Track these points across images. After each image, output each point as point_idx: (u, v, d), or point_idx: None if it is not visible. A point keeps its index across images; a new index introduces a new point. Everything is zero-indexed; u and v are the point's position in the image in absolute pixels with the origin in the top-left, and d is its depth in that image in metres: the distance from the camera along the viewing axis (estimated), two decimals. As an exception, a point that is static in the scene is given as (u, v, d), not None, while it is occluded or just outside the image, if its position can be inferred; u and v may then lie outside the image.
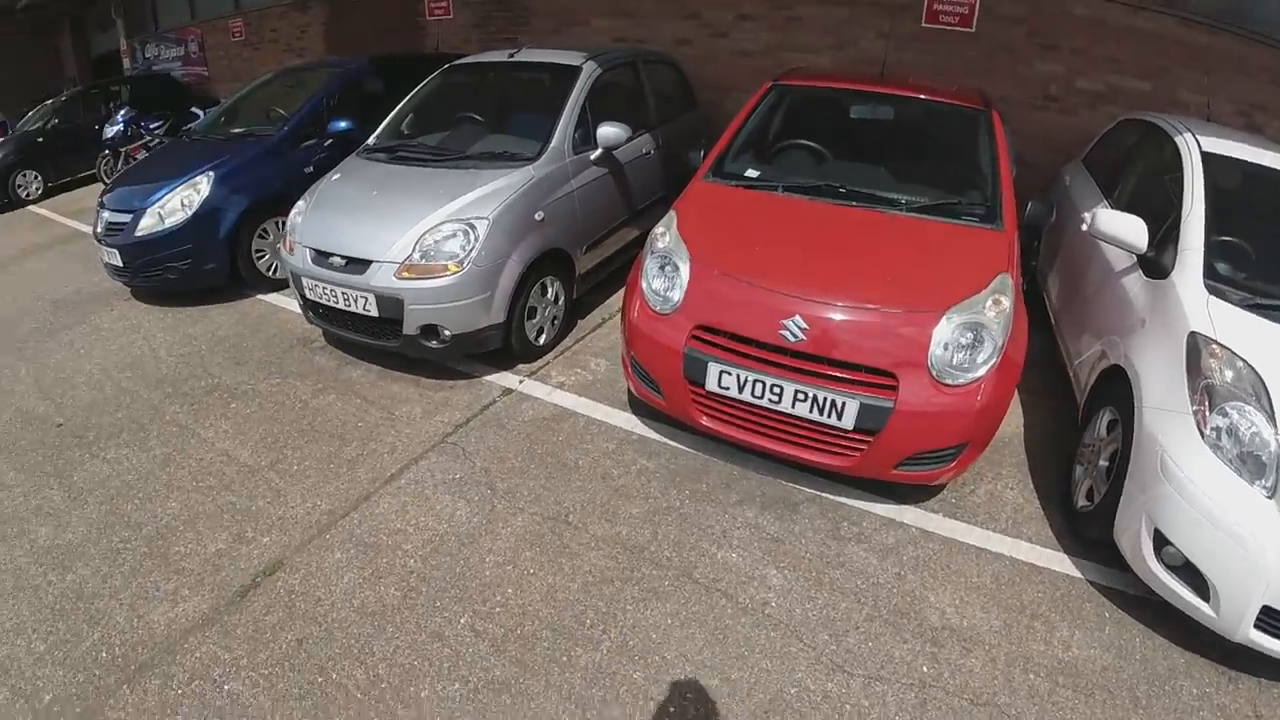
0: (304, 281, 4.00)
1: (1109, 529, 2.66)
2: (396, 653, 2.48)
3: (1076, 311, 3.68)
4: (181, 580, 2.84)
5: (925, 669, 2.39)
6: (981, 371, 2.73)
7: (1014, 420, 3.62)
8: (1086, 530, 2.88)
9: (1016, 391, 3.74)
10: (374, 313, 3.77)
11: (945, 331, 2.74)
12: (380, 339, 3.93)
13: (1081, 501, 2.96)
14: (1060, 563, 2.81)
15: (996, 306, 2.81)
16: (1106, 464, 2.83)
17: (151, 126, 9.67)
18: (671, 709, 2.26)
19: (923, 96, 4.02)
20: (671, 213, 3.49)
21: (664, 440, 3.52)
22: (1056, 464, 3.35)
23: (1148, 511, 2.45)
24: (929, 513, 3.07)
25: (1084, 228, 3.28)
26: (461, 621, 2.58)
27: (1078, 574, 2.76)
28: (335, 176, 4.41)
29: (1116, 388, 2.84)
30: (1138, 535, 2.49)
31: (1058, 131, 5.54)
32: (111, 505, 3.31)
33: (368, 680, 2.39)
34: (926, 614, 2.59)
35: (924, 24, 5.81)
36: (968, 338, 2.74)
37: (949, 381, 2.72)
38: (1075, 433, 3.26)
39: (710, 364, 2.93)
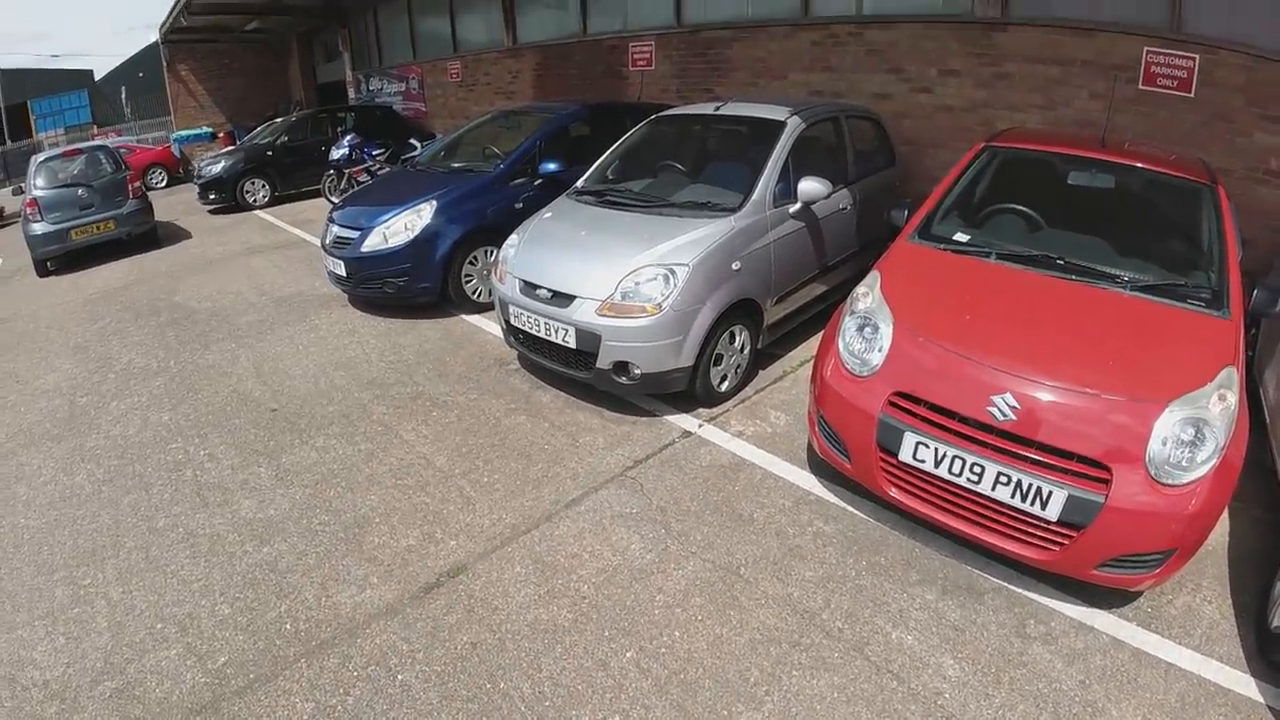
0: (511, 309, 4.33)
1: None
2: (563, 674, 2.58)
3: None
4: (371, 568, 3.13)
5: None
6: (1201, 472, 2.49)
7: (1219, 529, 3.25)
8: (1275, 653, 2.55)
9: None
10: (572, 344, 4.01)
11: (1167, 425, 2.53)
12: (574, 369, 4.16)
13: (1276, 622, 2.60)
14: (1245, 685, 2.56)
15: (1221, 403, 2.57)
16: None
17: (374, 153, 10.81)
18: (834, 787, 2.20)
19: (1146, 166, 3.74)
20: (875, 273, 3.45)
21: (842, 505, 3.45)
22: (1259, 580, 3.00)
23: None
24: (1122, 620, 2.82)
25: None
26: (628, 655, 2.65)
27: (1259, 698, 2.50)
28: (547, 215, 4.76)
29: None
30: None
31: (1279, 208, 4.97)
32: (315, 490, 3.72)
33: (533, 695, 2.50)
34: None
35: (1140, 86, 5.41)
36: (1189, 434, 2.52)
37: (1165, 480, 2.50)
38: (1281, 547, 2.90)
39: (907, 433, 2.85)
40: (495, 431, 4.15)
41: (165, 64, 19.74)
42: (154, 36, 19.46)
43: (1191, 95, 5.26)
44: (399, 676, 2.59)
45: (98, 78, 38.70)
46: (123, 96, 27.18)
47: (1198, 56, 5.13)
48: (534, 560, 3.12)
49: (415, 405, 4.51)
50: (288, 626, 2.85)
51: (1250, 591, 2.95)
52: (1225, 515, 3.34)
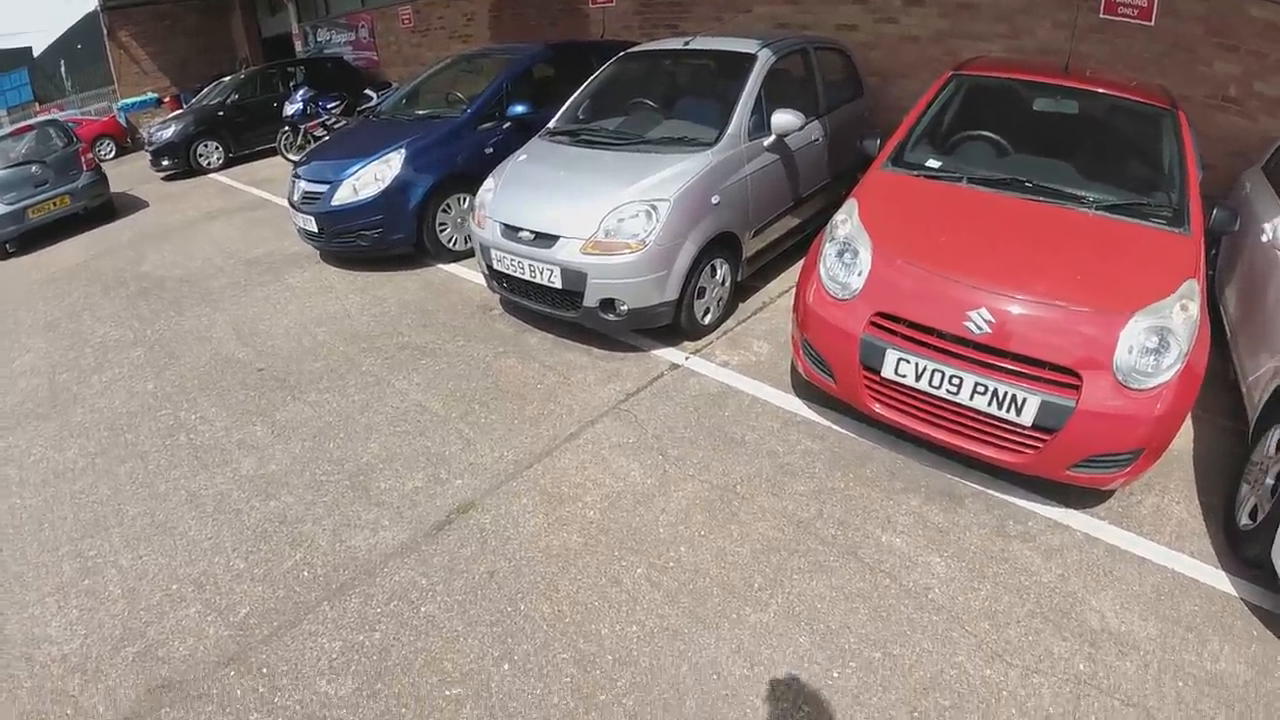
0: (493, 253, 4.36)
1: (1268, 548, 2.56)
2: (579, 592, 2.74)
3: (1254, 327, 3.46)
4: (381, 512, 3.23)
5: (1081, 666, 2.41)
6: (1165, 377, 2.67)
7: (1184, 436, 3.48)
8: (1246, 549, 2.77)
9: (1188, 407, 3.65)
10: (558, 285, 4.07)
11: (1133, 333, 2.70)
12: (561, 309, 4.23)
13: (1244, 520, 2.84)
14: (1218, 579, 2.76)
15: (1184, 312, 2.74)
16: (1272, 483, 2.72)
17: (329, 106, 10.52)
18: (835, 674, 2.38)
19: (1109, 92, 3.87)
20: (852, 200, 3.55)
21: (828, 424, 3.61)
22: (1223, 482, 3.24)
23: None
24: (1095, 519, 3.04)
25: (1263, 239, 3.08)
26: (638, 571, 2.81)
27: (1233, 592, 2.70)
28: (522, 157, 4.75)
29: None
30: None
31: (1239, 135, 5.14)
32: (315, 443, 3.78)
33: (553, 614, 2.66)
34: (1087, 616, 2.59)
35: (1102, 14, 5.49)
36: (1154, 342, 2.69)
37: (1132, 385, 2.68)
38: (1245, 452, 3.12)
39: (889, 351, 3.00)
40: (487, 375, 4.23)
41: (105, 31, 18.72)
42: (90, 6, 18.44)
43: (1152, 24, 5.35)
44: (422, 609, 2.72)
45: (36, 54, 36.78)
46: (62, 70, 25.87)
47: (1159, -14, 5.20)
48: (540, 492, 3.26)
49: (403, 355, 4.55)
50: (305, 573, 2.95)
51: (1216, 493, 3.16)
52: (1190, 424, 3.57)
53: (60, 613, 2.90)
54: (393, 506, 3.26)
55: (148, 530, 3.30)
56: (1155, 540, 2.93)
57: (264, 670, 2.53)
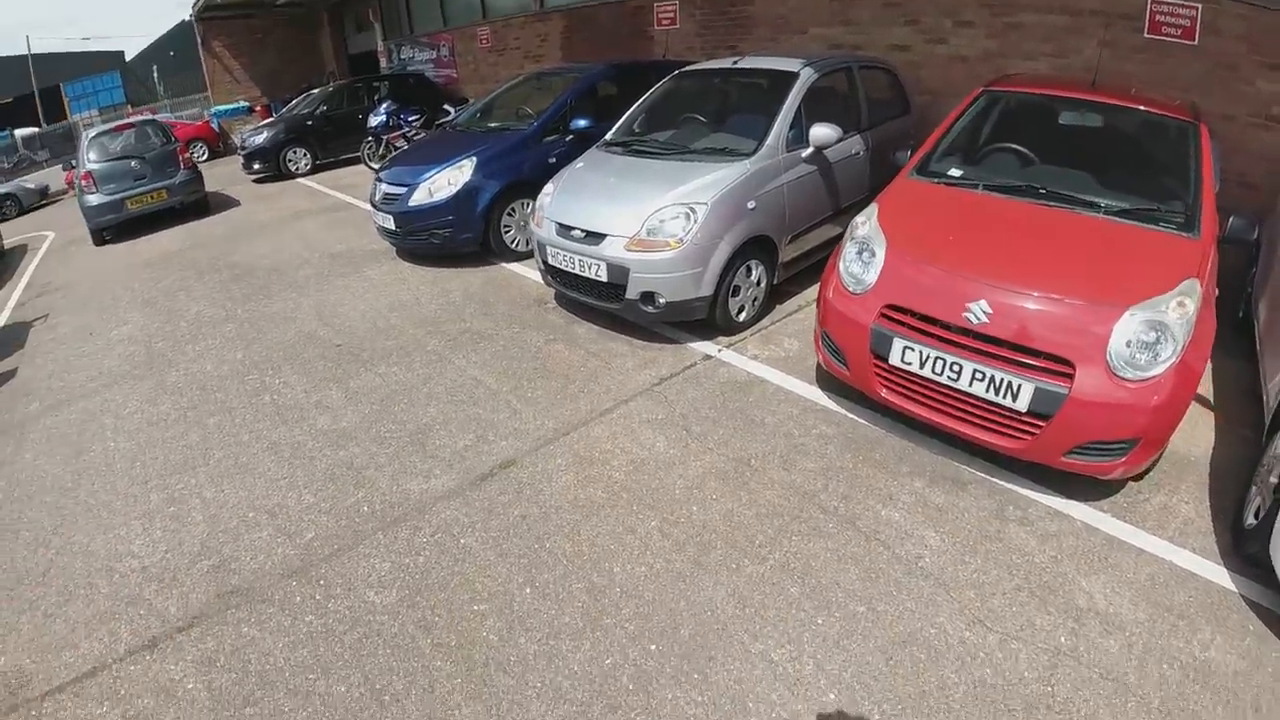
0: (548, 250, 4.79)
1: (1267, 544, 2.61)
2: (598, 537, 3.08)
3: (1275, 333, 3.54)
4: (434, 463, 3.66)
5: (1063, 639, 2.50)
6: (1159, 370, 2.79)
7: (1203, 442, 3.54)
8: (1248, 546, 2.82)
9: (1212, 416, 3.72)
10: (604, 278, 4.47)
11: (1127, 327, 2.84)
12: (605, 301, 4.62)
13: (1250, 520, 2.90)
14: (1218, 575, 2.81)
15: (1180, 309, 2.85)
16: (1276, 480, 2.78)
17: (410, 119, 11.20)
18: (820, 620, 2.62)
19: (1132, 106, 4.01)
20: (873, 204, 3.82)
21: (845, 413, 3.86)
22: (1238, 489, 3.25)
23: None
24: (1097, 511, 3.13)
25: None
26: (652, 524, 3.13)
27: (1233, 588, 2.74)
28: (579, 165, 5.20)
29: None
30: (1286, 545, 2.44)
31: None
32: (382, 406, 4.25)
33: (573, 552, 3.01)
34: (1075, 595, 2.68)
35: (1146, 34, 5.58)
36: (1150, 336, 2.82)
37: (1126, 376, 2.81)
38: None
39: (895, 340, 3.24)
40: (536, 358, 4.64)
41: (200, 40, 20.21)
42: (182, 16, 20.07)
43: (1195, 43, 5.41)
44: (461, 540, 3.12)
45: (128, 58, 39.70)
46: (155, 75, 27.80)
47: (1200, 5, 5.27)
48: (573, 455, 3.62)
49: (464, 338, 5.01)
50: (365, 509, 3.38)
51: (1228, 497, 3.20)
52: (1211, 432, 3.65)
53: (144, 533, 3.39)
54: (444, 460, 3.68)
55: (231, 470, 3.80)
56: (1157, 535, 2.99)
57: (321, 582, 2.96)
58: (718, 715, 2.31)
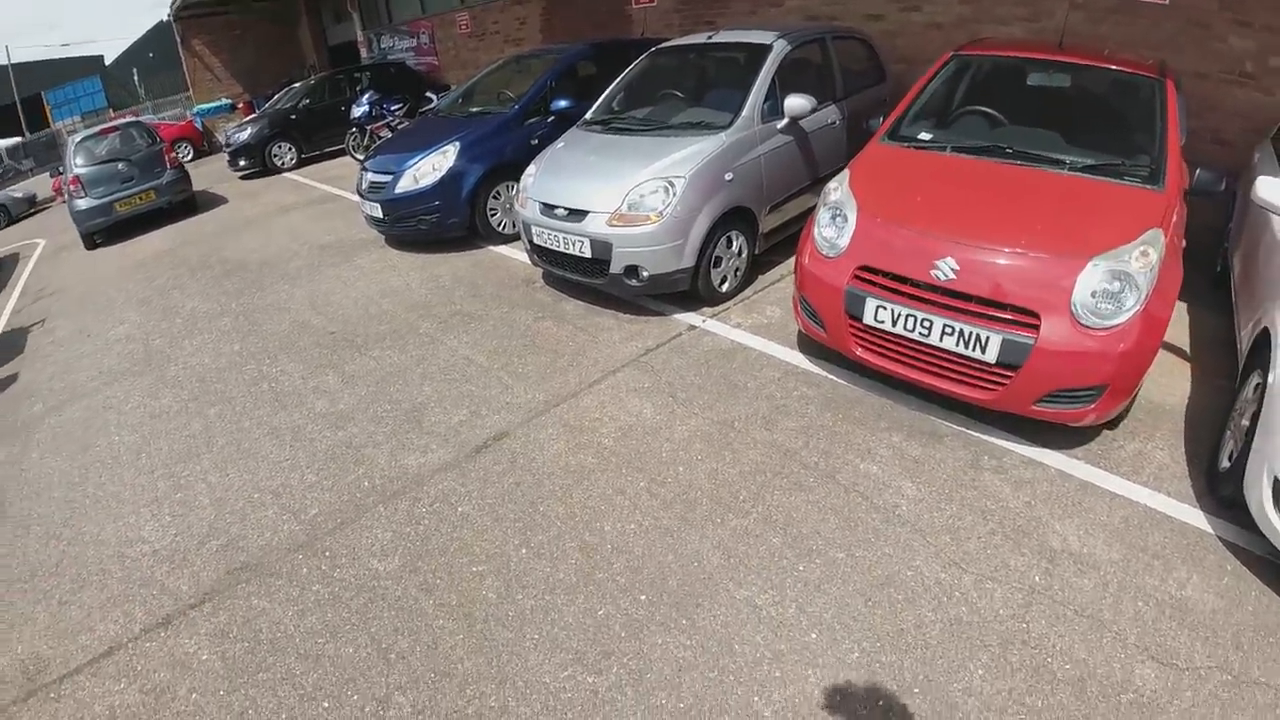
0: (533, 229, 4.89)
1: (1241, 485, 2.66)
2: (589, 499, 3.21)
3: (1247, 283, 3.65)
4: (430, 439, 3.79)
5: (1037, 579, 2.59)
6: (1124, 318, 2.88)
7: (1179, 392, 3.64)
8: (1223, 488, 2.88)
9: (1188, 367, 3.82)
10: (587, 254, 4.57)
11: (1091, 277, 2.94)
12: (590, 276, 4.72)
13: (1224, 463, 2.97)
14: (1194, 517, 2.86)
15: (1144, 258, 2.94)
16: (1247, 424, 2.84)
17: (393, 108, 11.20)
18: (801, 567, 2.76)
19: (1099, 65, 4.09)
20: (845, 170, 3.92)
21: (825, 374, 3.98)
22: (1213, 435, 3.33)
23: (1269, 460, 2.48)
24: (1071, 458, 3.22)
25: (1251, 196, 3.28)
26: (641, 484, 3.26)
27: (1209, 529, 2.80)
28: (560, 145, 5.29)
29: (1266, 351, 2.84)
30: (1261, 485, 2.51)
31: (1256, 109, 5.21)
32: (378, 387, 4.37)
33: (566, 514, 3.14)
34: (1049, 538, 2.77)
35: (1119, -6, 5.66)
36: (1114, 285, 2.91)
37: (1091, 325, 2.91)
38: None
39: (868, 300, 3.36)
40: (526, 335, 4.76)
41: (179, 40, 20.17)
42: (160, 16, 19.94)
43: (1167, 3, 5.48)
44: (459, 508, 3.25)
45: (108, 62, 39.40)
46: (135, 78, 27.63)
47: (1171, -36, 5.34)
48: (563, 425, 3.75)
49: (455, 320, 5.12)
50: (365, 484, 3.51)
51: (1204, 444, 3.26)
52: (1188, 382, 3.75)
53: (153, 519, 3.51)
54: (440, 434, 3.81)
55: (234, 455, 3.92)
56: (1132, 480, 3.06)
57: (327, 554, 3.09)
58: (706, 657, 2.44)
